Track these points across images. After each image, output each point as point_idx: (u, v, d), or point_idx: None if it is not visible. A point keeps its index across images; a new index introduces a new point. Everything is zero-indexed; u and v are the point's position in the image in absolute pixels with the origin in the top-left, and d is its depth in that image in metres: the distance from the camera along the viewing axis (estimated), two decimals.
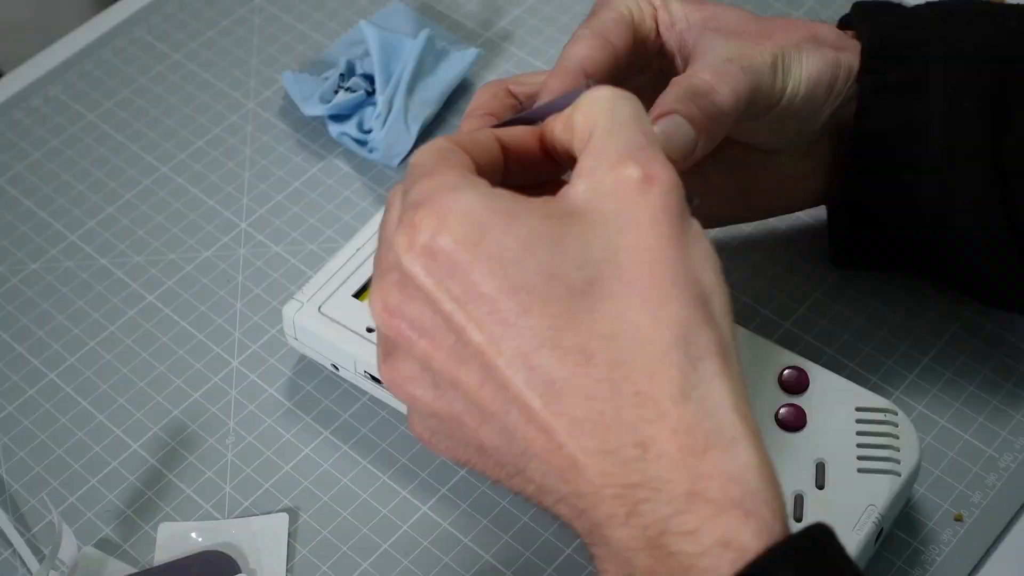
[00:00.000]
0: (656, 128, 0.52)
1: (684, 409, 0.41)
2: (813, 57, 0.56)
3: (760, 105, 0.55)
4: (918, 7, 0.60)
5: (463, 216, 0.42)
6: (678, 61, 0.57)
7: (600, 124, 0.45)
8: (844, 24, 0.61)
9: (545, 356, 0.41)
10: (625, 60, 0.56)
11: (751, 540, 0.40)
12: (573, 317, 0.41)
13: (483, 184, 0.44)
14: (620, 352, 0.41)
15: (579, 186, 0.44)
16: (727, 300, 0.44)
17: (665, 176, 0.43)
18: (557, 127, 0.47)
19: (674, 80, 0.54)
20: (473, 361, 0.42)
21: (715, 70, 0.54)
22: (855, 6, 0.61)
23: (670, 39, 0.57)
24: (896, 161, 0.58)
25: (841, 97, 0.58)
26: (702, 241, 0.44)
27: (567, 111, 0.46)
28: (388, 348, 0.45)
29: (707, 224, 0.60)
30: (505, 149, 0.48)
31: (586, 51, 0.54)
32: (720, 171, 0.60)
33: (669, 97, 0.53)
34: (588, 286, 0.42)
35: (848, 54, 0.58)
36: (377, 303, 0.44)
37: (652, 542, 0.40)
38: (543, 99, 0.53)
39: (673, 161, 0.46)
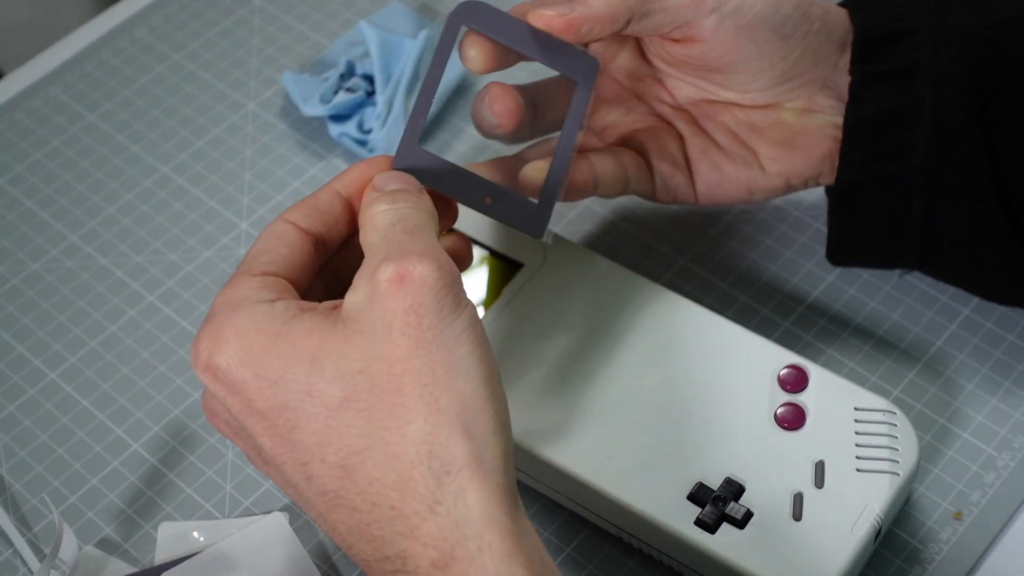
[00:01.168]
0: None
1: (432, 523, 0.42)
2: None
3: None
4: None
5: (234, 337, 0.45)
6: None
7: (369, 238, 0.47)
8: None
9: (316, 468, 0.44)
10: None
11: None
12: (332, 432, 0.43)
13: (265, 301, 0.46)
14: (373, 468, 0.43)
15: (349, 296, 0.46)
16: (490, 402, 0.44)
17: (420, 270, 0.44)
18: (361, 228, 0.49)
19: None
20: (271, 465, 0.46)
21: None
22: None
23: None
24: (886, 148, 0.58)
25: (815, 34, 0.57)
26: (468, 339, 0.44)
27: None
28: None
29: (736, 197, 0.61)
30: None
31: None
32: (729, 138, 0.60)
33: None
34: (345, 401, 0.43)
35: (833, 15, 0.58)
36: (204, 400, 0.48)
37: None
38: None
39: (559, 28, 0.51)
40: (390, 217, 0.47)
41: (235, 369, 0.45)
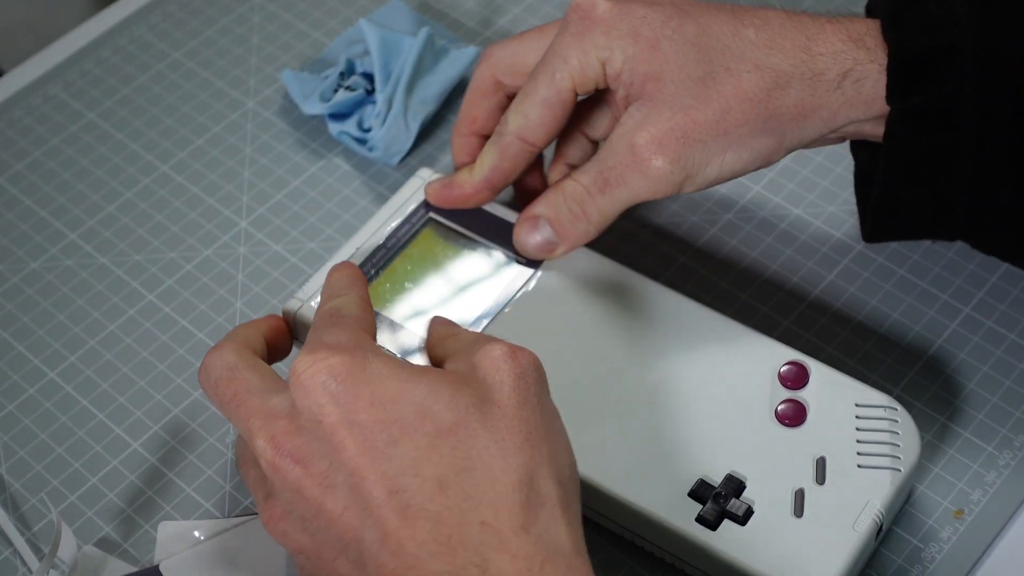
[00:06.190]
0: (519, 229, 0.59)
1: (524, 539, 0.45)
2: (740, 152, 0.56)
3: (655, 195, 0.57)
4: None
5: (361, 361, 0.48)
6: (622, 105, 0.58)
7: (452, 345, 0.53)
8: (870, 11, 0.57)
9: (407, 481, 0.45)
10: (561, 127, 0.60)
11: None
12: (435, 451, 0.46)
13: (382, 349, 0.50)
14: (472, 486, 0.46)
15: (450, 365, 0.51)
16: (574, 473, 0.49)
17: (528, 354, 0.49)
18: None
19: (553, 186, 0.59)
20: (342, 486, 0.46)
21: (599, 174, 0.57)
22: (879, 2, 0.56)
23: (617, 88, 0.58)
24: (927, 184, 0.56)
25: (783, 155, 0.57)
26: (557, 420, 0.49)
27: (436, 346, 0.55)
28: (268, 489, 0.50)
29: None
30: None
31: (496, 162, 0.60)
32: None
33: (540, 202, 0.59)
34: (454, 426, 0.47)
35: (840, 94, 0.55)
36: (262, 436, 0.48)
37: None
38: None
39: (536, 257, 0.58)
40: (473, 335, 0.53)
41: (353, 385, 0.47)
